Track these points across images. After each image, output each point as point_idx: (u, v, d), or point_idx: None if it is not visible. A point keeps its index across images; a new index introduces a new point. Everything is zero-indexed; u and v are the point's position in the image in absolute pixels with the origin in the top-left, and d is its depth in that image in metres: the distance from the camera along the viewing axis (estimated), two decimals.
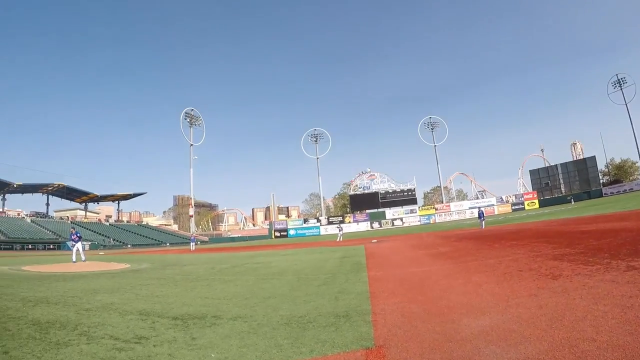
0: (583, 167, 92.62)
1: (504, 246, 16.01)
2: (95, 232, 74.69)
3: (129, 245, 67.87)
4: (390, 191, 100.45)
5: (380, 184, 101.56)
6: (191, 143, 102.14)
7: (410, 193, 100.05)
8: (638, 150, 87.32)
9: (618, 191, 76.75)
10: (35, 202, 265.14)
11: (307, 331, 6.18)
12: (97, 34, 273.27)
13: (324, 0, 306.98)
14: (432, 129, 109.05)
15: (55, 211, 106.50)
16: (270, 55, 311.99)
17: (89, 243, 44.97)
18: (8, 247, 49.10)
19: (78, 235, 24.92)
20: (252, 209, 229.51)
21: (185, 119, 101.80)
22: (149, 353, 5.35)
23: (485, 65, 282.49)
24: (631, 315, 4.57)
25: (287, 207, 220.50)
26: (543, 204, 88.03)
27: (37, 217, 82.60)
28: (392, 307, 7.32)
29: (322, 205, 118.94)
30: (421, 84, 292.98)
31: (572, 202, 73.81)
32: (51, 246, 56.06)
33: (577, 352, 3.90)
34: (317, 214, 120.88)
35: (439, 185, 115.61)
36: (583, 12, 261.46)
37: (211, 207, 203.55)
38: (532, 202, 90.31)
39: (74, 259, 23.99)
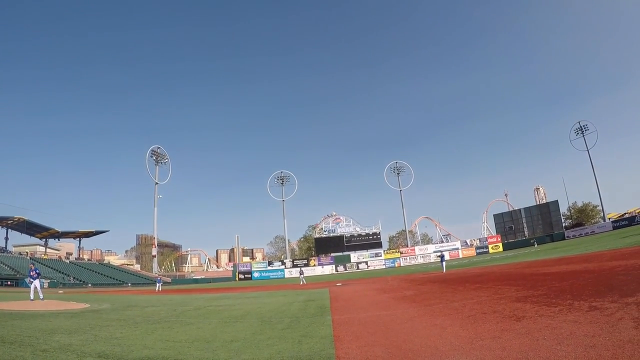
0: (546, 211, 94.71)
1: (468, 289, 16.10)
2: (55, 269, 72.16)
3: (90, 285, 65.69)
4: (355, 234, 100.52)
5: (346, 227, 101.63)
6: (156, 181, 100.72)
7: (375, 237, 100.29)
8: (599, 194, 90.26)
9: (580, 234, 78.41)
10: None
11: None
12: (61, 66, 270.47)
13: (291, 46, 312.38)
14: (398, 174, 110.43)
15: (15, 246, 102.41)
16: (239, 97, 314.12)
17: (48, 281, 43.39)
18: None
19: (37, 271, 23.98)
20: (217, 251, 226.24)
21: (151, 156, 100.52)
22: None
23: (452, 112, 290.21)
24: (593, 354, 4.60)
25: (252, 249, 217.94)
26: (507, 247, 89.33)
27: None
28: (356, 351, 7.20)
29: (287, 248, 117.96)
30: (388, 129, 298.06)
31: (536, 245, 75.03)
32: (9, 282, 53.83)
33: None
34: (282, 256, 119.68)
35: (404, 229, 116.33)
36: (546, 61, 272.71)
37: (175, 248, 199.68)
38: (496, 246, 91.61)
39: (31, 297, 23.06)
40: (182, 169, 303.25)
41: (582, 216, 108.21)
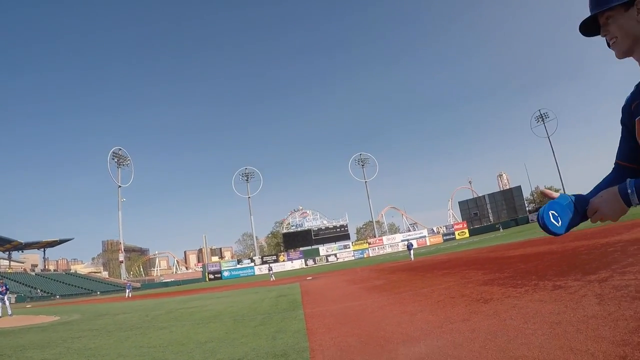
0: (509, 196, 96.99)
1: (436, 275, 16.36)
2: (20, 283, 70.15)
3: (58, 296, 64.11)
4: (323, 228, 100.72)
5: (313, 221, 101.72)
6: (119, 184, 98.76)
7: (343, 229, 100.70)
8: (560, 179, 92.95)
9: None
10: None
11: None
12: (21, 71, 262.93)
13: (247, 39, 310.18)
14: (362, 165, 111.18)
15: None
16: (198, 94, 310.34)
17: (15, 295, 42.10)
18: None
19: (6, 287, 23.47)
20: (185, 252, 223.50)
21: (113, 159, 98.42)
22: None
23: (413, 102, 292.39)
24: (559, 330, 4.76)
25: (220, 249, 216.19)
26: (473, 233, 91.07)
27: None
28: (329, 342, 7.28)
29: (256, 245, 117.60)
30: (350, 122, 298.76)
31: (501, 230, 76.57)
32: None
33: None
34: (251, 254, 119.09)
35: (371, 220, 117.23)
36: (507, 50, 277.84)
37: (142, 252, 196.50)
38: (463, 232, 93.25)
39: None
40: (145, 170, 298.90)
41: (545, 200, 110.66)
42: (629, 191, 1.57)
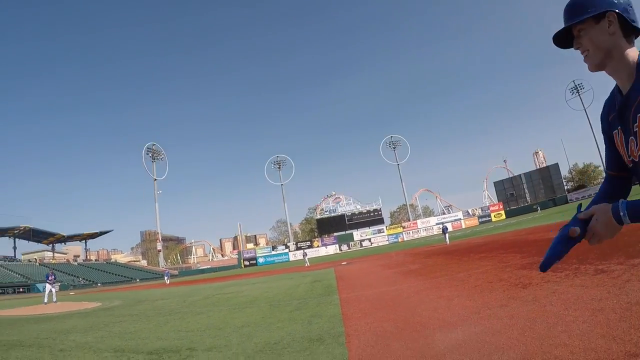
0: (547, 175, 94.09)
1: (472, 259, 16.17)
2: (64, 272, 72.56)
3: (99, 284, 66.16)
4: (356, 212, 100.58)
5: (346, 206, 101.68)
6: (155, 178, 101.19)
7: (376, 213, 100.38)
8: (600, 154, 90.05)
9: (583, 196, 78.18)
10: (2, 246, 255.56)
11: (282, 357, 6.09)
12: (55, 70, 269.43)
13: (282, 25, 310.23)
14: (394, 148, 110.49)
15: (23, 254, 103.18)
16: (230, 84, 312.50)
17: (59, 284, 43.54)
18: None
19: (54, 276, 24.62)
20: (220, 240, 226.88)
21: (148, 153, 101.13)
22: None
23: (443, 83, 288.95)
24: (601, 318, 4.63)
25: (255, 236, 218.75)
26: (509, 214, 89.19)
27: (5, 261, 79.85)
28: (365, 328, 7.28)
29: (290, 231, 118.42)
30: (381, 105, 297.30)
31: (539, 211, 75.10)
32: (21, 289, 54.48)
33: (550, 359, 3.91)
34: (285, 240, 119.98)
35: (405, 203, 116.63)
36: (535, 22, 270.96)
37: (179, 241, 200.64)
38: (499, 214, 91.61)
39: (45, 301, 23.57)
40: (179, 162, 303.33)
41: (584, 178, 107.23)
42: (622, 214, 1.60)
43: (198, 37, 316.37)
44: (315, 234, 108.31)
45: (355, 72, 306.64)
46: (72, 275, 72.39)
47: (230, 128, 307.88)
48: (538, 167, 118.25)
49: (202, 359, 6.65)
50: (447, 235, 38.66)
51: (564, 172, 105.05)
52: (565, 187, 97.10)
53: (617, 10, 1.71)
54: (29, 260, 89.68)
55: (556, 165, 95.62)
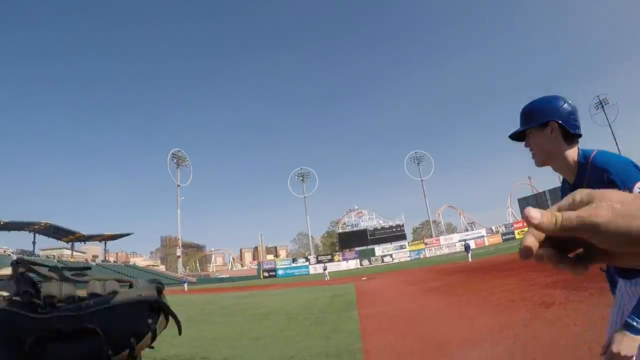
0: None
1: (495, 277, 15.94)
2: None
3: None
4: (378, 227, 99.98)
5: (369, 221, 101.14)
6: (178, 184, 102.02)
7: (399, 229, 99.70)
8: None
9: None
10: (22, 240, 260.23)
11: None
12: (82, 72, 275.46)
13: (308, 38, 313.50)
14: (418, 163, 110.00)
15: (42, 250, 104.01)
16: (257, 95, 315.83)
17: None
18: None
19: None
20: (240, 249, 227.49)
21: (172, 160, 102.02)
22: None
23: (467, 99, 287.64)
24: None
25: (276, 247, 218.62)
26: None
27: (23, 255, 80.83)
28: (384, 345, 7.18)
29: (311, 244, 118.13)
30: (405, 120, 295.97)
31: None
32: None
33: None
34: (306, 253, 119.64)
35: (428, 219, 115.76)
36: (560, 37, 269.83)
37: (199, 248, 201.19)
38: (523, 231, 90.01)
39: None
40: (203, 170, 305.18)
41: None
42: (635, 323, 1.76)
43: (230, 44, 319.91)
44: (337, 248, 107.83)
45: (381, 86, 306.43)
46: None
47: (256, 138, 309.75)
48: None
49: None
50: (469, 253, 38.28)
51: None
52: None
53: (559, 120, 2.12)
54: (47, 257, 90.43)
55: None
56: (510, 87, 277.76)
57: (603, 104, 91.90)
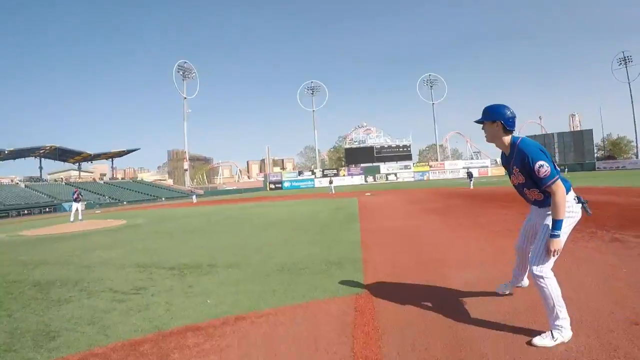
0: (579, 139, 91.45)
1: (495, 207, 16.19)
2: (90, 191, 73.64)
3: (125, 202, 67.22)
4: (385, 146, 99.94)
5: (376, 139, 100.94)
6: (185, 96, 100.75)
7: (405, 149, 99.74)
8: (635, 130, 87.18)
9: (611, 167, 76.53)
10: (28, 167, 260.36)
11: (300, 277, 6.37)
12: None
13: None
14: (431, 87, 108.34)
15: (49, 174, 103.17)
16: (268, 5, 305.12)
17: (85, 203, 44.51)
18: (4, 214, 47.89)
19: (80, 194, 25.06)
20: (247, 162, 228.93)
21: (178, 71, 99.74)
22: (148, 302, 5.53)
23: (489, 27, 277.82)
24: (610, 283, 4.72)
25: (282, 160, 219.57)
26: None
27: (31, 181, 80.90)
28: (383, 257, 7.53)
29: (317, 158, 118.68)
30: (423, 42, 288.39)
31: (566, 172, 73.85)
32: (47, 209, 55.52)
33: None
34: (312, 166, 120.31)
35: (435, 143, 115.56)
36: None
37: (206, 161, 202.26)
38: None
39: (71, 219, 24.12)
40: (211, 82, 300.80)
41: (615, 150, 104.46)
42: (556, 233, 3.54)
43: None
44: (343, 163, 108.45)
45: (399, 4, 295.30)
46: (98, 194, 73.46)
47: (266, 49, 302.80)
48: (572, 130, 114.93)
49: (221, 274, 6.98)
50: (472, 180, 38.78)
51: (597, 140, 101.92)
52: (595, 155, 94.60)
53: (502, 121, 3.71)
54: (55, 180, 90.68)
55: (590, 132, 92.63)
56: (536, 26, 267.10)
57: (627, 61, 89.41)
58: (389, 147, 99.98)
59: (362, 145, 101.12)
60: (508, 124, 3.68)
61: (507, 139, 3.73)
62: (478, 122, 3.86)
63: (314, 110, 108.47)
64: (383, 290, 5.39)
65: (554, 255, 3.56)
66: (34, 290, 6.39)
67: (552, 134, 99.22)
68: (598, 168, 78.23)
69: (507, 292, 4.65)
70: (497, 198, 20.81)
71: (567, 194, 3.53)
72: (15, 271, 8.05)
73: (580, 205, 3.72)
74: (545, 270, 3.60)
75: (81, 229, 18.82)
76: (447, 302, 4.71)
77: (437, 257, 7.16)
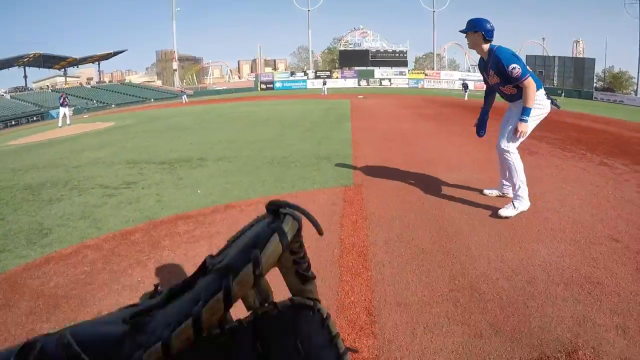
0: (580, 66, 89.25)
1: (488, 118, 16.16)
2: (77, 96, 71.46)
3: (113, 105, 65.82)
4: (381, 50, 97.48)
5: (372, 42, 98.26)
6: None
7: (401, 55, 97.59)
8: (639, 67, 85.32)
9: (608, 99, 75.36)
10: (13, 77, 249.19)
11: (290, 170, 6.45)
12: None
13: None
14: None
15: (34, 82, 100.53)
16: None
17: (72, 108, 43.46)
18: None
19: (65, 98, 24.73)
20: (238, 61, 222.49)
21: None
22: (138, 195, 5.61)
23: None
24: (594, 201, 4.77)
25: (274, 60, 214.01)
26: None
27: (17, 91, 78.90)
28: (372, 154, 7.65)
29: (311, 59, 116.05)
30: None
31: (562, 97, 73.18)
32: (35, 118, 54.25)
33: (539, 218, 4.18)
34: (305, 67, 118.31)
35: (432, 52, 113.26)
36: None
37: (195, 61, 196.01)
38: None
39: (59, 124, 23.71)
40: None
41: (615, 83, 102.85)
42: (524, 117, 4.17)
43: None
44: (336, 65, 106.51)
45: None
46: (85, 98, 71.57)
47: None
48: (574, 56, 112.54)
49: (211, 167, 7.05)
50: (467, 92, 38.29)
51: (598, 69, 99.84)
52: (594, 85, 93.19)
53: (482, 32, 4.24)
54: (41, 88, 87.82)
55: (592, 61, 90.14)
56: None
57: None
58: (385, 51, 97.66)
59: (357, 48, 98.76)
60: (487, 35, 4.28)
61: (485, 46, 4.34)
62: (462, 31, 4.44)
63: (309, 10, 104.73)
64: (372, 184, 5.49)
65: (520, 137, 4.28)
66: (25, 193, 6.37)
67: (554, 57, 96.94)
68: (595, 98, 77.27)
69: (493, 195, 4.96)
70: (491, 110, 20.71)
71: (537, 90, 4.23)
72: (5, 178, 7.89)
73: (549, 101, 4.44)
74: (511, 147, 4.39)
75: (70, 133, 18.57)
76: (434, 198, 4.83)
77: (427, 158, 7.28)
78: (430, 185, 5.38)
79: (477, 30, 4.28)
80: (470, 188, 5.16)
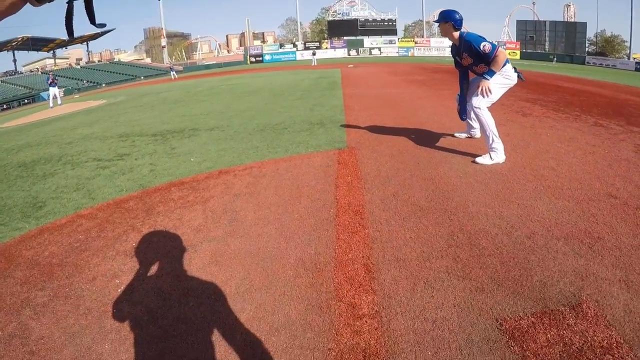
0: (572, 31, 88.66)
1: None
2: (67, 77, 70.97)
3: (103, 85, 65.31)
4: (370, 19, 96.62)
5: (360, 11, 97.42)
6: None
7: (390, 23, 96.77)
8: (631, 31, 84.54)
9: (601, 64, 74.91)
10: (2, 62, 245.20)
11: (282, 136, 6.40)
12: None
13: None
14: None
15: (24, 65, 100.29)
16: None
17: (63, 89, 43.06)
18: None
19: (55, 78, 24.46)
20: (227, 36, 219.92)
21: None
22: (132, 165, 5.61)
23: None
24: (591, 159, 4.73)
25: (263, 33, 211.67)
26: (524, 56, 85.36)
27: (7, 75, 78.26)
28: (365, 118, 7.60)
29: (299, 30, 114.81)
30: None
31: (554, 62, 72.79)
32: (26, 101, 53.87)
33: (536, 175, 4.15)
34: (294, 39, 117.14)
35: (422, 19, 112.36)
36: None
37: (184, 37, 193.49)
38: (514, 52, 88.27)
39: (51, 105, 23.41)
40: None
41: (607, 47, 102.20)
42: (486, 76, 4.69)
43: None
44: (325, 36, 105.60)
45: None
46: (75, 79, 71.17)
47: None
48: (566, 20, 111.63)
49: (204, 136, 7.01)
50: None
51: (590, 34, 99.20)
52: (586, 49, 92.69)
53: (452, 22, 4.80)
54: (31, 71, 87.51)
55: (584, 25, 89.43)
56: None
57: None
58: (374, 20, 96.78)
59: (345, 17, 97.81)
60: (457, 24, 4.86)
61: (456, 34, 4.94)
62: (436, 21, 5.35)
63: None
64: (366, 146, 5.46)
65: (484, 95, 4.70)
66: (18, 170, 6.34)
67: (545, 21, 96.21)
68: (587, 63, 76.97)
69: (462, 137, 5.83)
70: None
71: (505, 65, 4.80)
72: None
73: (516, 74, 4.96)
74: (482, 105, 4.75)
75: (61, 112, 18.43)
76: (429, 158, 4.83)
77: (419, 121, 7.25)
78: (424, 146, 5.37)
79: (448, 20, 4.85)
80: (463, 148, 5.14)
